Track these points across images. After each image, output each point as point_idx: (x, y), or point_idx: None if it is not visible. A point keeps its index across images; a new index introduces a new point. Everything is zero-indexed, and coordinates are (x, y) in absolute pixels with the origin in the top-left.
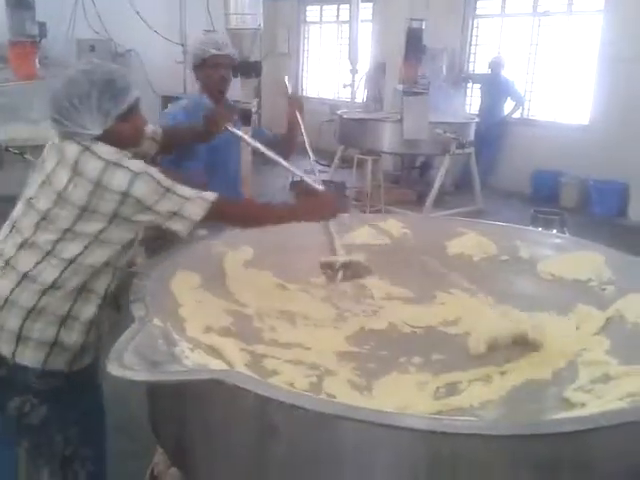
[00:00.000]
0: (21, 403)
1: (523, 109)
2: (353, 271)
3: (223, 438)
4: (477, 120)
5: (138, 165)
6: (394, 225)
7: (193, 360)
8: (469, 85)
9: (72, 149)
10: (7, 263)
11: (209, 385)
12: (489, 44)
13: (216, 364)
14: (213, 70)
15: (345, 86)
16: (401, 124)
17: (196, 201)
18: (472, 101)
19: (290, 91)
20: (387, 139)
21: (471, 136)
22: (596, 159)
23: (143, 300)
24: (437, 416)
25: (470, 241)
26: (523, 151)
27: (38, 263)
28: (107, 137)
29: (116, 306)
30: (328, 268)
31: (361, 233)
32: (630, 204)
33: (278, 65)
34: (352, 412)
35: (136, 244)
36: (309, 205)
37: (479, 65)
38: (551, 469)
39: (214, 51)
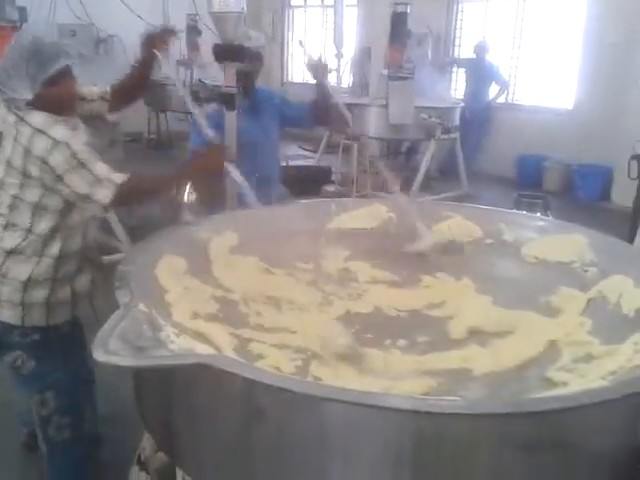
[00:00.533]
0: (13, 358)
1: (508, 93)
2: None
3: (210, 422)
4: (462, 105)
5: (63, 133)
6: (380, 209)
7: (179, 345)
8: (454, 70)
9: (10, 119)
10: None
11: (196, 369)
12: (474, 28)
13: (202, 349)
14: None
15: (330, 71)
16: (386, 109)
17: (104, 183)
18: (457, 86)
19: (308, 57)
20: (373, 124)
21: (456, 121)
22: (580, 143)
23: (128, 286)
24: (422, 396)
25: (455, 225)
26: (508, 135)
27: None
28: (40, 102)
29: (95, 264)
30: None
31: (347, 217)
32: (613, 188)
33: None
34: (339, 394)
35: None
36: (197, 162)
37: (464, 49)
38: (535, 447)
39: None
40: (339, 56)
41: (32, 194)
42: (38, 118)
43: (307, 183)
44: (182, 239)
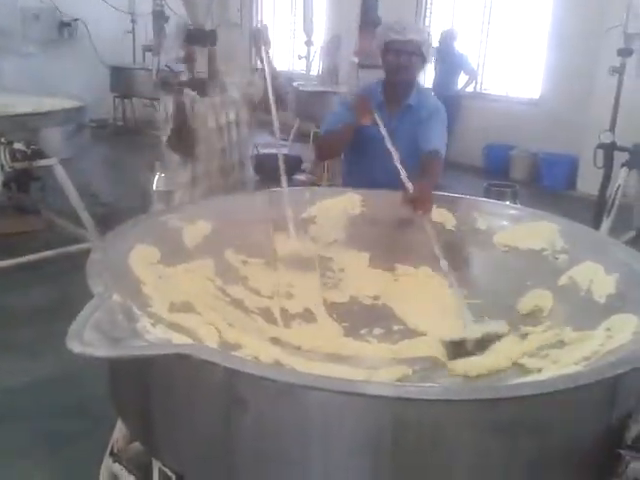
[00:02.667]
0: None
1: (476, 83)
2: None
3: (189, 413)
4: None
5: None
6: (353, 199)
7: (155, 335)
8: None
9: None
10: None
11: (174, 359)
12: (443, 17)
13: (179, 338)
14: (393, 56)
15: (300, 58)
16: None
17: None
18: (427, 74)
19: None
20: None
21: None
22: (546, 133)
23: (101, 275)
24: (401, 383)
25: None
26: (476, 125)
27: None
28: None
29: None
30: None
31: (321, 207)
32: (579, 176)
33: (230, 36)
34: (320, 382)
35: None
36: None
37: (433, 38)
38: (511, 433)
39: (395, 36)
40: (309, 44)
41: None
42: None
43: (278, 171)
44: (154, 228)
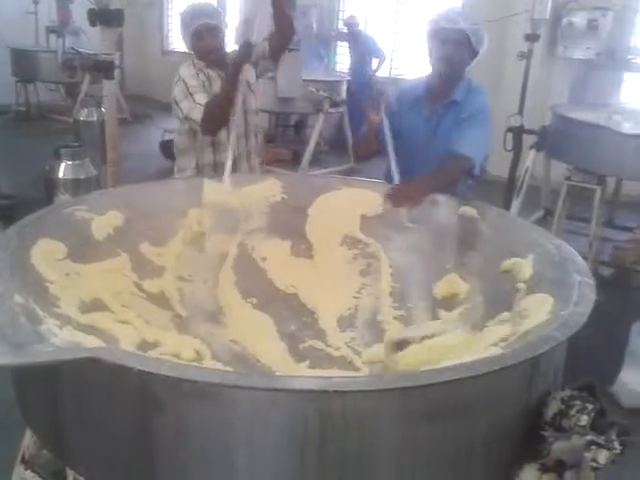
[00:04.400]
0: None
1: (391, 67)
2: None
3: (103, 419)
4: (348, 78)
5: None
6: (274, 185)
7: (63, 338)
8: (339, 43)
9: None
10: None
11: (84, 364)
12: (356, 1)
13: (90, 341)
14: (439, 45)
15: None
16: (275, 82)
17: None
18: (343, 59)
19: None
20: (260, 96)
21: (343, 94)
22: None
23: (0, 274)
24: (326, 375)
25: (350, 197)
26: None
27: None
28: None
29: None
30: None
31: (241, 193)
32: (489, 159)
33: (141, 16)
34: (243, 380)
35: None
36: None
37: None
38: (436, 418)
39: (444, 24)
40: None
41: None
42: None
43: None
44: (59, 221)
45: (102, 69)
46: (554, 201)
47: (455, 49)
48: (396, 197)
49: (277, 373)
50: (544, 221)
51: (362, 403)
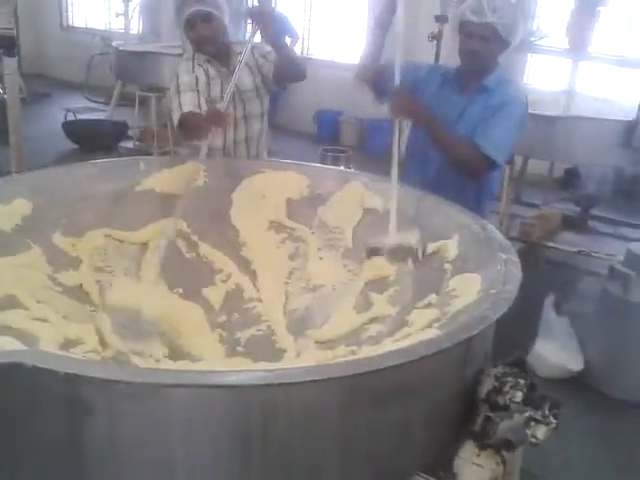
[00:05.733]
0: None
1: (303, 47)
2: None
3: (27, 428)
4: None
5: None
6: (195, 169)
7: None
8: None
9: None
10: None
11: (4, 371)
12: None
13: (8, 343)
14: (464, 38)
15: (118, 15)
16: None
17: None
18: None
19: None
20: (169, 74)
21: None
22: (370, 99)
23: None
24: (267, 368)
25: (278, 179)
26: (307, 90)
27: None
28: None
29: None
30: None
31: (158, 179)
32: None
33: None
34: (177, 377)
35: None
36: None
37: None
38: (383, 402)
39: (471, 16)
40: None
41: None
42: None
43: (100, 139)
44: None
45: (2, 45)
46: None
47: (482, 45)
48: (398, 102)
49: (210, 367)
50: None
51: (306, 394)
